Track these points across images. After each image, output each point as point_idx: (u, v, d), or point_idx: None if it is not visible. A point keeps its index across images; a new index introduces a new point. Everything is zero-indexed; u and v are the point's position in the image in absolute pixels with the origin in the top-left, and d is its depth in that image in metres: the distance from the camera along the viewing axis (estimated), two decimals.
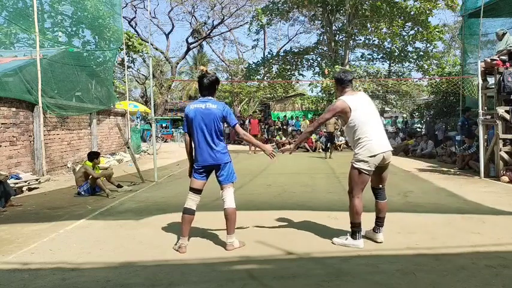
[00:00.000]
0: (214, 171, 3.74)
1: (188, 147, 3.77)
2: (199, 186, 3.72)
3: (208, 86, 3.69)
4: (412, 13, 17.69)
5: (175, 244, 3.73)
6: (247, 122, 20.75)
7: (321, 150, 14.72)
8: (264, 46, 30.98)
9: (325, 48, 21.73)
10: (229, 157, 3.72)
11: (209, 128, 3.59)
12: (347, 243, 3.72)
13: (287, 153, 4.10)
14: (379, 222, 3.84)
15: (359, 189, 3.70)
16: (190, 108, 3.68)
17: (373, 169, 3.65)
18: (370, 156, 3.57)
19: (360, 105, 3.64)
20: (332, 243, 3.80)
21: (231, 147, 18.77)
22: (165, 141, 23.95)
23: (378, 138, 3.62)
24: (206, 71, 3.77)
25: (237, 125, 3.68)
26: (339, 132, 17.74)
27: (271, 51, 24.87)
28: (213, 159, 3.63)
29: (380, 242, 3.77)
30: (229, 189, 3.71)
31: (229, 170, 3.70)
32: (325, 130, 13.89)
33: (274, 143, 17.70)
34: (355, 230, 3.72)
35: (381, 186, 3.84)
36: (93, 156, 7.09)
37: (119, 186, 7.17)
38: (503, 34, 8.66)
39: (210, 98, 3.70)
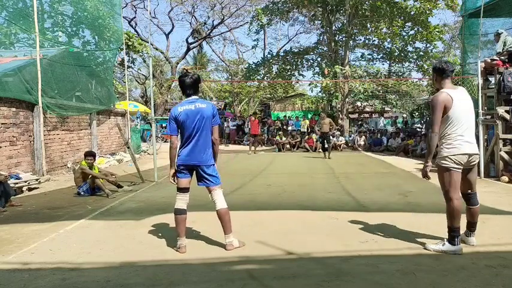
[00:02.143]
0: (195, 172, 3.68)
1: (175, 151, 3.67)
2: (186, 185, 3.69)
3: (191, 85, 3.65)
4: (412, 13, 17.69)
5: (175, 246, 3.73)
6: (247, 121, 20.77)
7: (321, 150, 14.70)
8: (264, 46, 31.00)
9: (325, 48, 21.73)
10: (213, 160, 3.68)
11: (203, 128, 3.57)
12: (445, 250, 3.49)
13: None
14: (472, 227, 3.67)
15: (455, 189, 3.47)
16: (179, 110, 3.59)
17: (461, 167, 3.48)
18: (457, 154, 3.43)
19: (460, 101, 3.47)
20: (425, 248, 3.58)
21: (231, 147, 18.81)
22: (165, 141, 23.92)
23: (468, 138, 3.48)
24: (187, 70, 3.76)
25: (217, 127, 3.68)
26: (339, 132, 17.76)
27: (271, 51, 24.88)
28: (197, 160, 3.59)
29: (473, 245, 3.62)
30: (218, 190, 3.69)
31: (214, 172, 3.67)
32: (318, 129, 13.83)
33: (274, 144, 17.73)
34: (454, 235, 3.48)
35: (470, 191, 3.62)
36: (85, 154, 7.02)
37: (119, 186, 7.17)
38: (498, 34, 8.70)
39: (196, 97, 3.68)
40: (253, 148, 15.67)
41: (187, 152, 3.59)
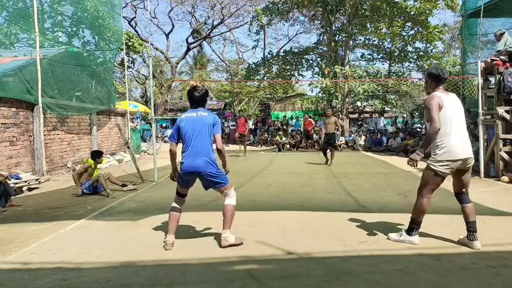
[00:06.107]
0: (200, 179, 3.76)
1: (173, 155, 3.83)
2: (184, 192, 3.88)
3: (199, 99, 3.84)
4: (412, 13, 17.68)
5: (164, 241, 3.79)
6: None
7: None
8: (264, 46, 31.02)
9: (325, 48, 21.70)
10: (215, 166, 3.72)
11: (202, 135, 3.68)
12: (402, 239, 3.75)
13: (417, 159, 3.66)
14: (471, 227, 3.62)
15: (429, 190, 3.68)
16: (182, 118, 3.81)
17: (449, 172, 3.58)
18: (450, 160, 3.51)
19: (450, 106, 3.59)
20: (387, 238, 3.87)
21: (231, 147, 18.79)
22: (165, 141, 23.94)
23: (460, 142, 3.55)
24: (196, 84, 3.86)
25: (219, 135, 3.78)
26: (339, 133, 17.74)
27: (271, 51, 24.84)
28: (198, 165, 3.65)
29: (478, 249, 3.52)
30: (230, 190, 3.80)
31: (218, 173, 3.73)
32: (324, 131, 13.56)
33: (274, 144, 17.72)
34: (413, 226, 3.74)
35: (463, 190, 3.71)
36: (96, 155, 7.10)
37: (123, 185, 7.16)
38: (501, 34, 8.68)
39: (201, 108, 3.85)
40: (242, 148, 14.42)
41: (188, 158, 3.68)
